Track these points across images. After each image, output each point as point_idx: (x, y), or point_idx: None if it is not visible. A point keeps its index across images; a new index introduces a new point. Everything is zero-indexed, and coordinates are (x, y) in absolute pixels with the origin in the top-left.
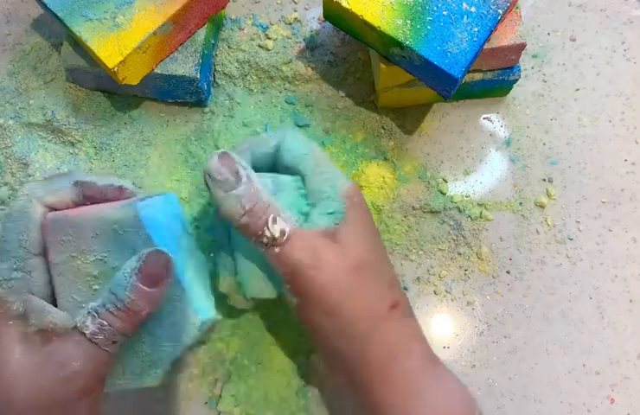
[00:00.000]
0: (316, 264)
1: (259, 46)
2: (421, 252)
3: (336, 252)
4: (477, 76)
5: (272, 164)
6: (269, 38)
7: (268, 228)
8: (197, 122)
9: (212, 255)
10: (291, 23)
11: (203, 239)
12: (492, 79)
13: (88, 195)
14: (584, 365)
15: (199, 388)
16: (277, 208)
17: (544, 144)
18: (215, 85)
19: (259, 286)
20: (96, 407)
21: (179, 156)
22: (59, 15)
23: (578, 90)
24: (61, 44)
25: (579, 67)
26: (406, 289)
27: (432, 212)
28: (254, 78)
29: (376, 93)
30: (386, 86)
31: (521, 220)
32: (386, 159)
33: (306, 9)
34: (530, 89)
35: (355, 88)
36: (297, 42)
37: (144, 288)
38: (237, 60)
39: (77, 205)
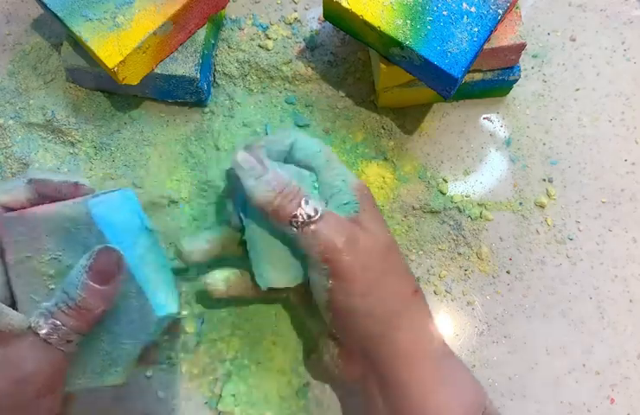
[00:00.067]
0: (352, 244)
1: (259, 46)
2: (421, 252)
3: (366, 235)
4: (477, 76)
5: (285, 161)
6: (269, 38)
7: (302, 208)
8: (197, 122)
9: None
10: (291, 23)
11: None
12: (492, 79)
13: (44, 193)
14: (584, 365)
15: (199, 388)
16: (307, 192)
17: (544, 144)
18: (215, 85)
19: (277, 276)
20: (57, 407)
21: (179, 156)
22: (59, 15)
23: (578, 90)
24: (61, 44)
25: (579, 67)
26: None
27: (432, 212)
28: (254, 78)
29: (376, 93)
30: (386, 86)
31: (521, 220)
32: (386, 159)
33: (306, 9)
34: (530, 89)
35: (355, 88)
36: (297, 42)
37: (96, 285)
38: (237, 60)
39: (33, 204)
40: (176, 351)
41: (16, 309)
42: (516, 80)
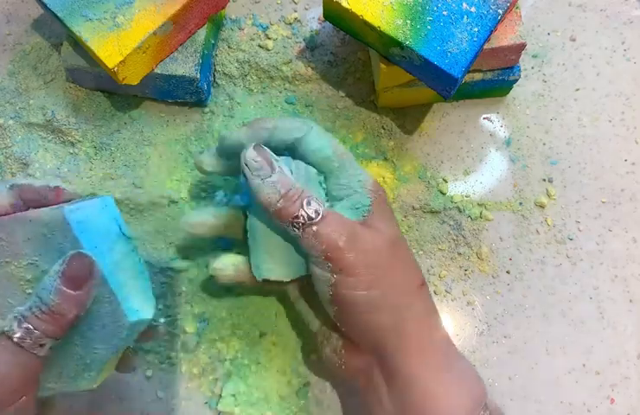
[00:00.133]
0: (355, 238)
1: (259, 46)
2: (421, 252)
3: (371, 232)
4: (477, 76)
5: (289, 150)
6: (269, 38)
7: (303, 209)
8: (197, 122)
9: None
10: (291, 23)
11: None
12: (492, 79)
13: (26, 199)
14: (584, 365)
15: (199, 388)
16: (309, 193)
17: (544, 144)
18: (215, 85)
19: (273, 268)
20: (31, 411)
21: (179, 156)
22: (59, 15)
23: (578, 90)
24: (61, 44)
25: (579, 67)
26: None
27: (432, 212)
28: (254, 78)
29: (376, 93)
30: (386, 86)
31: (521, 220)
32: (386, 159)
33: (306, 9)
34: (530, 89)
35: (355, 88)
36: (297, 42)
37: (68, 291)
38: (237, 60)
39: (16, 209)
40: (176, 351)
41: None
42: (516, 80)
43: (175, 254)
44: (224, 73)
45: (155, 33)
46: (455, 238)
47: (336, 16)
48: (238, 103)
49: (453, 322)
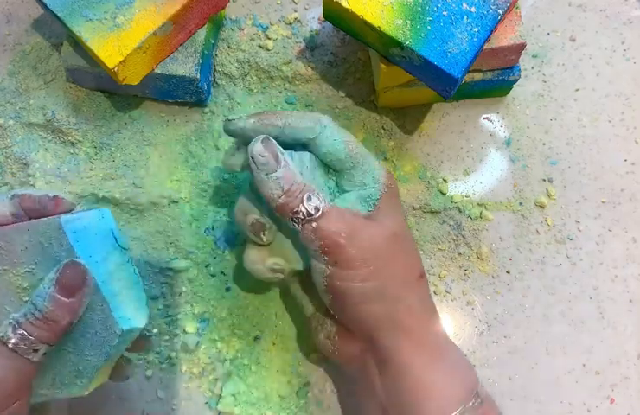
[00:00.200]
0: (353, 235)
1: (259, 46)
2: (421, 252)
3: (371, 225)
4: (477, 76)
5: (301, 146)
6: (269, 38)
7: (303, 205)
8: (197, 122)
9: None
10: (291, 23)
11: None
12: (492, 79)
13: (26, 208)
14: (584, 365)
15: (199, 388)
16: (311, 188)
17: (544, 144)
18: (215, 85)
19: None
20: None
21: (179, 156)
22: (59, 15)
23: (578, 90)
24: (61, 44)
25: (578, 67)
26: None
27: (432, 212)
28: (254, 78)
29: (376, 93)
30: (386, 86)
31: (521, 220)
32: (386, 159)
33: (306, 9)
34: (530, 89)
35: (355, 88)
36: (297, 42)
37: (62, 298)
38: (237, 60)
39: (17, 218)
40: (176, 351)
41: None
42: (516, 80)
43: (175, 254)
44: (224, 73)
45: (155, 33)
46: (455, 238)
47: (336, 16)
48: (238, 103)
49: (453, 322)
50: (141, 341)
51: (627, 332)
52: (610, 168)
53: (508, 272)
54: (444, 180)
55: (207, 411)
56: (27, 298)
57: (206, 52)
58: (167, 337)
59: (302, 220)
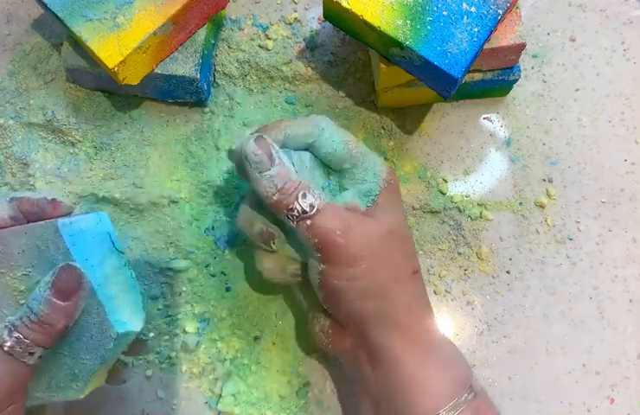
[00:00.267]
0: (347, 232)
1: (259, 46)
2: (421, 252)
3: (367, 222)
4: (477, 76)
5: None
6: (269, 38)
7: (298, 202)
8: (197, 122)
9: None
10: (291, 23)
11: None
12: (492, 79)
13: (24, 211)
14: (584, 365)
15: (199, 388)
16: (306, 185)
17: (544, 144)
18: (215, 85)
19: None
20: None
21: (179, 156)
22: (59, 15)
23: (578, 90)
24: (61, 44)
25: (578, 67)
26: None
27: (432, 212)
28: (254, 78)
29: (376, 93)
30: (386, 86)
31: (521, 220)
32: (386, 159)
33: (306, 9)
34: (530, 89)
35: (355, 88)
36: (297, 42)
37: (58, 301)
38: (237, 60)
39: (15, 222)
40: (176, 351)
41: None
42: (516, 80)
43: (175, 254)
44: (224, 73)
45: (155, 33)
46: (455, 238)
47: (336, 16)
48: (238, 103)
49: (453, 322)
50: (137, 344)
51: (627, 332)
52: (610, 168)
53: (508, 272)
54: (444, 180)
55: (207, 411)
56: (23, 301)
57: (206, 52)
58: (167, 337)
59: (296, 217)
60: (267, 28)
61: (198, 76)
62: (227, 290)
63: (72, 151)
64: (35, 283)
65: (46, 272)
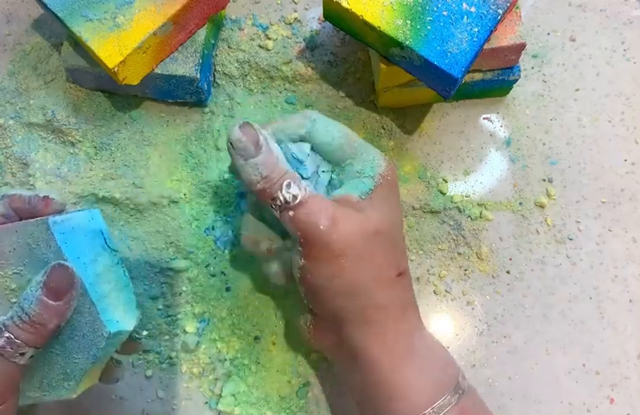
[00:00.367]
0: (331, 227)
1: (259, 46)
2: (421, 252)
3: (355, 218)
4: (477, 76)
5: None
6: (269, 38)
7: (282, 192)
8: (197, 122)
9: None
10: (291, 23)
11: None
12: (492, 79)
13: (16, 208)
14: (584, 365)
15: (199, 388)
16: (293, 175)
17: (544, 144)
18: (215, 85)
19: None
20: None
21: (179, 156)
22: (59, 15)
23: (578, 90)
24: (62, 44)
25: (578, 67)
26: None
27: (431, 212)
28: (254, 78)
29: (376, 93)
30: (386, 86)
31: (521, 220)
32: None
33: (306, 9)
34: (530, 89)
35: (355, 88)
36: (297, 42)
37: (49, 301)
38: (237, 60)
39: (7, 219)
40: (176, 351)
41: None
42: (516, 80)
43: (175, 254)
44: (224, 73)
45: (155, 33)
46: (455, 238)
47: (336, 16)
48: (238, 103)
49: (453, 322)
50: (131, 343)
51: (627, 332)
52: (610, 168)
53: (508, 272)
54: (444, 180)
55: (207, 411)
56: (15, 300)
57: (206, 52)
58: (167, 337)
59: (279, 207)
60: (267, 28)
61: (198, 76)
62: (227, 290)
63: (72, 151)
64: (26, 281)
65: (37, 271)
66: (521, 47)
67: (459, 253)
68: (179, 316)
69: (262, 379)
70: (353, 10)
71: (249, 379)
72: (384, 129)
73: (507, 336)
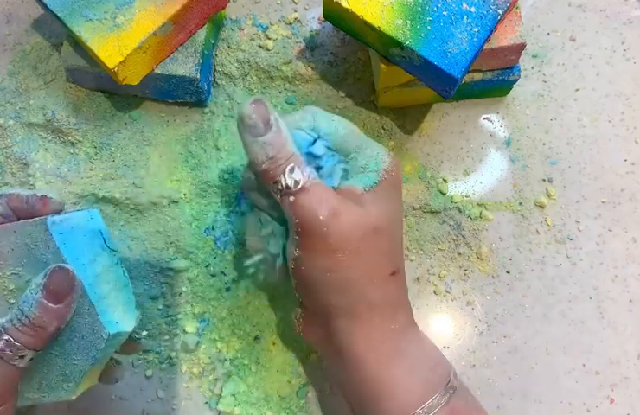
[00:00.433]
0: (331, 219)
1: (259, 46)
2: (421, 252)
3: (355, 212)
4: (477, 76)
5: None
6: (269, 38)
7: (284, 176)
8: (197, 122)
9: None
10: (291, 23)
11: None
12: (492, 79)
13: (14, 207)
14: (584, 365)
15: (199, 388)
16: (299, 160)
17: (544, 144)
18: (215, 85)
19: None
20: None
21: (179, 156)
22: (59, 15)
23: (578, 90)
24: (62, 44)
25: (578, 67)
26: None
27: (431, 212)
28: (254, 78)
29: (376, 93)
30: (386, 86)
31: (521, 220)
32: None
33: (306, 9)
34: (530, 89)
35: (355, 88)
36: (297, 42)
37: (49, 304)
38: (237, 60)
39: (5, 219)
40: (176, 351)
41: None
42: (516, 80)
43: (175, 254)
44: (224, 73)
45: (155, 33)
46: (455, 238)
47: (336, 16)
48: (238, 103)
49: (453, 322)
50: (130, 343)
51: (627, 332)
52: (610, 168)
53: (508, 272)
54: (444, 180)
55: (207, 411)
56: (13, 300)
57: (206, 52)
58: (167, 337)
59: (280, 190)
60: (267, 28)
61: (198, 76)
62: (227, 290)
63: (72, 151)
64: (24, 282)
65: (36, 271)
66: (521, 47)
67: (459, 253)
68: (179, 316)
69: (262, 379)
70: (353, 10)
71: (249, 379)
72: (384, 129)
73: (507, 336)
